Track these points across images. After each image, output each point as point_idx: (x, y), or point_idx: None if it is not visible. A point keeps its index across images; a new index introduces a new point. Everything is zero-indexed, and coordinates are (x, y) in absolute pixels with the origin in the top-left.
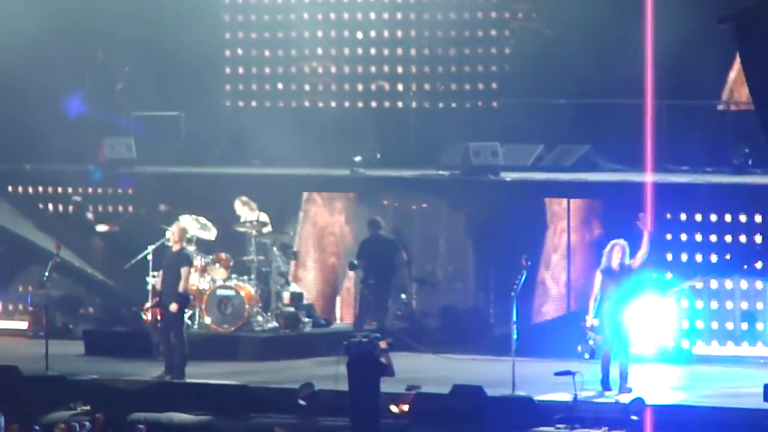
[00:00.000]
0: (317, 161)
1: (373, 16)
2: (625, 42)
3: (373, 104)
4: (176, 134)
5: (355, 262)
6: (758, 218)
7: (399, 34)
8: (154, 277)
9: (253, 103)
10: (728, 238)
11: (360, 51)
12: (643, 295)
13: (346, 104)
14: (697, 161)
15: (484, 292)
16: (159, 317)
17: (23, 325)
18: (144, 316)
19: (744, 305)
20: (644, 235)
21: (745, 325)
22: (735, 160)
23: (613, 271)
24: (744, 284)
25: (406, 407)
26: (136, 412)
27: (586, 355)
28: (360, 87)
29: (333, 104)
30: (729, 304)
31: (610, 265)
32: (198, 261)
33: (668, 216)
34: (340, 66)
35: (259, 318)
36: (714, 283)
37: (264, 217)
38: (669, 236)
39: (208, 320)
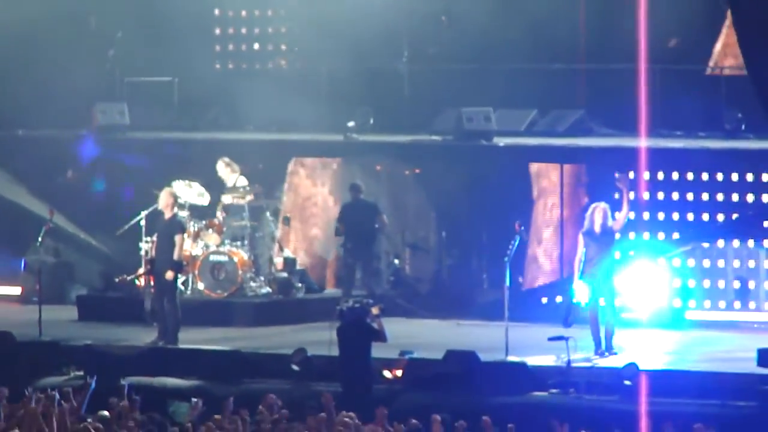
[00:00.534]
0: (311, 126)
1: None
2: (619, 7)
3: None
4: (169, 99)
5: (338, 226)
6: (751, 179)
7: None
8: (147, 242)
9: (244, 66)
10: (722, 202)
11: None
12: (630, 258)
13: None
14: (690, 126)
15: (477, 257)
16: (152, 283)
17: (16, 290)
18: (137, 282)
19: (736, 263)
20: (624, 195)
21: (737, 284)
22: (728, 124)
23: (596, 233)
24: (737, 247)
25: (399, 372)
26: (129, 377)
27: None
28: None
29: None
30: (721, 263)
31: (592, 227)
32: (191, 227)
33: (664, 179)
34: (332, 29)
35: (252, 283)
36: (707, 247)
37: (243, 181)
38: (665, 198)
39: (201, 286)
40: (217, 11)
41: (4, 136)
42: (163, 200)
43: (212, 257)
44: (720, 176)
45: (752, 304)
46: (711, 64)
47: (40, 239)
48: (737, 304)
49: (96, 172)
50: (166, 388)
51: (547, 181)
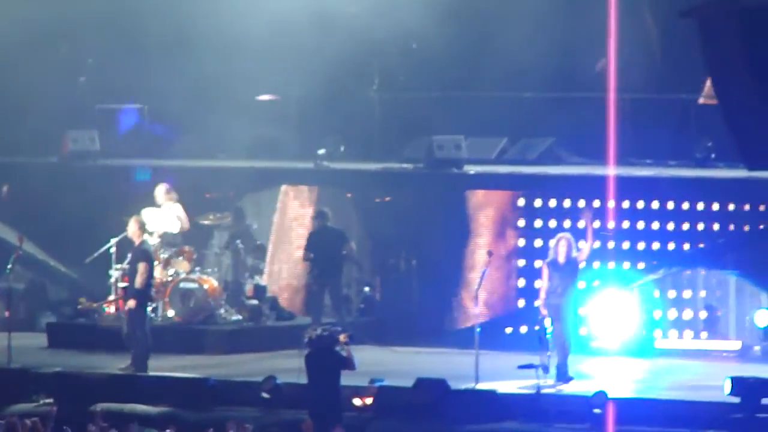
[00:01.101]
0: (282, 154)
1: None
2: (590, 36)
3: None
4: (140, 126)
5: (306, 253)
6: (718, 209)
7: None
8: (117, 270)
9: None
10: (691, 230)
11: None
12: (599, 287)
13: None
14: (660, 155)
15: (447, 285)
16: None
17: None
18: (107, 310)
19: (703, 293)
20: (587, 228)
21: (704, 313)
22: (698, 153)
23: (559, 263)
24: (704, 276)
25: (369, 400)
26: (99, 404)
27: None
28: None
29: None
30: (688, 293)
31: (556, 258)
32: (161, 254)
33: (630, 208)
34: (302, 57)
35: (223, 311)
36: (677, 276)
37: (178, 209)
38: (630, 227)
39: (171, 313)
40: (188, 38)
41: None
42: (131, 228)
43: (182, 284)
44: (687, 205)
45: (720, 333)
46: (702, 99)
47: (9, 266)
48: (705, 333)
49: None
50: (136, 413)
51: (484, 217)
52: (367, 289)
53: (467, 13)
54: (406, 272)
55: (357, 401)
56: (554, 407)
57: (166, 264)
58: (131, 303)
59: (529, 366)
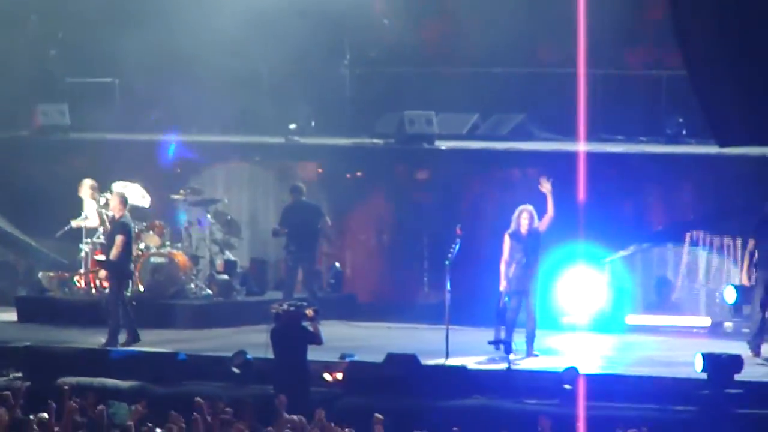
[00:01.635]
0: (253, 128)
1: None
2: (560, 12)
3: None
4: (110, 101)
5: (278, 228)
6: (690, 187)
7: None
8: (87, 243)
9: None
10: (662, 208)
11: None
12: (569, 262)
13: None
14: (631, 131)
15: (418, 260)
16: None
17: None
18: (77, 283)
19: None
20: (548, 198)
21: (675, 288)
22: (669, 129)
23: (521, 235)
24: (674, 253)
25: (339, 375)
26: (68, 378)
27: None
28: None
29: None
30: (659, 268)
31: (518, 229)
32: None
33: (600, 184)
34: (274, 30)
35: (193, 285)
36: (646, 252)
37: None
38: (600, 203)
39: (141, 287)
40: (160, 11)
41: None
42: (112, 202)
43: (152, 259)
44: (660, 181)
45: (690, 309)
46: None
47: None
48: (675, 309)
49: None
50: (106, 388)
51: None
52: (337, 264)
53: None
54: (376, 247)
55: (327, 376)
56: (524, 383)
57: (137, 238)
58: (102, 274)
59: (499, 341)
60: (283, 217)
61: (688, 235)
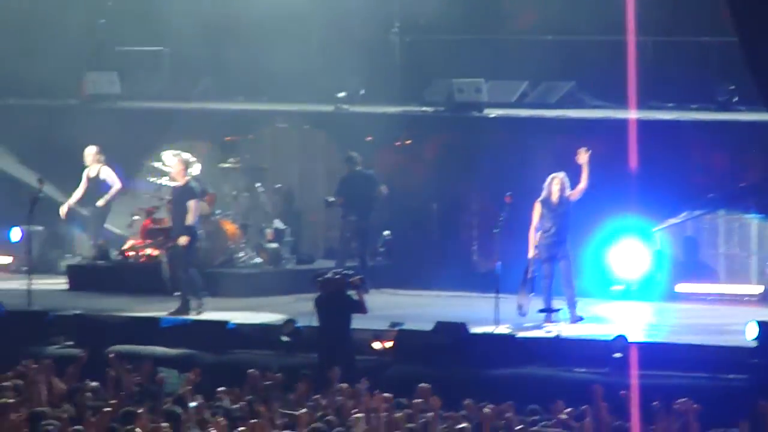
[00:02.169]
0: (303, 96)
1: None
2: None
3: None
4: (160, 69)
5: (330, 199)
6: (740, 155)
7: None
8: (138, 211)
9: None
10: (712, 175)
11: None
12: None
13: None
14: (682, 98)
15: (467, 228)
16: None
17: (7, 260)
18: (127, 252)
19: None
20: (583, 168)
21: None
22: (720, 96)
23: (552, 203)
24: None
25: (389, 344)
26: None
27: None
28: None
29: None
30: (710, 236)
31: (549, 197)
32: None
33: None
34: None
35: (242, 254)
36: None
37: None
38: (650, 171)
39: None
40: None
41: None
42: (175, 168)
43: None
44: (710, 148)
45: (741, 277)
46: None
47: (30, 209)
48: (726, 277)
49: None
50: (155, 356)
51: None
52: (387, 233)
53: None
54: (426, 216)
55: (376, 345)
56: (573, 351)
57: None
58: (182, 239)
59: (550, 310)
60: (340, 187)
61: (738, 203)
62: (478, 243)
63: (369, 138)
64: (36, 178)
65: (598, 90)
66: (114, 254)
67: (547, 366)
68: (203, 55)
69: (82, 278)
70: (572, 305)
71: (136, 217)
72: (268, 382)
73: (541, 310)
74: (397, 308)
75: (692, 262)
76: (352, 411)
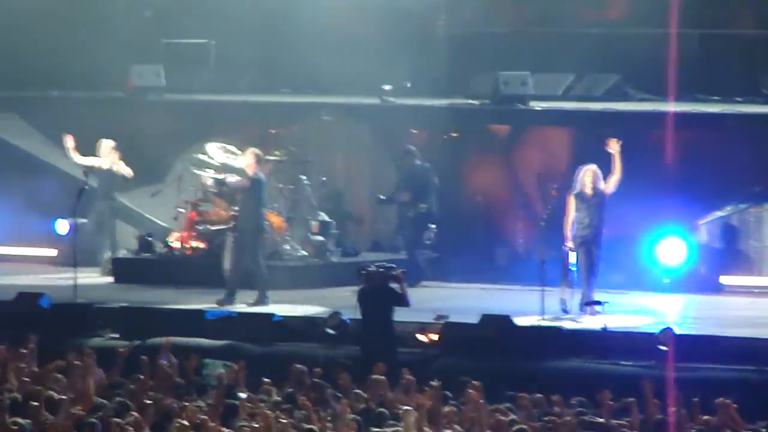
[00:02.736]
0: (348, 89)
1: None
2: None
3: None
4: (206, 62)
5: (383, 197)
6: None
7: None
8: (184, 204)
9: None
10: (758, 168)
11: None
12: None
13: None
14: (727, 91)
15: (513, 221)
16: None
17: (53, 252)
18: (172, 244)
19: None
20: (615, 159)
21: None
22: (766, 89)
23: (586, 195)
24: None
25: (434, 336)
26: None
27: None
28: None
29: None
30: (756, 228)
31: (583, 190)
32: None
33: (696, 144)
34: None
35: (288, 246)
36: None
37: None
38: (696, 163)
39: None
40: None
41: (38, 96)
42: (246, 160)
43: None
44: (756, 141)
45: None
46: None
47: (76, 201)
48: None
49: None
50: (201, 347)
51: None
52: (433, 226)
53: None
54: (471, 208)
55: (422, 337)
56: (620, 344)
57: (232, 200)
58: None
59: (596, 302)
60: (403, 182)
61: None
62: (523, 235)
63: (414, 131)
64: (82, 170)
65: (644, 83)
66: (159, 247)
67: (593, 358)
68: (249, 47)
69: (127, 271)
70: (591, 288)
71: (182, 210)
72: (313, 378)
73: (586, 303)
74: (442, 301)
75: (737, 255)
76: (397, 404)
